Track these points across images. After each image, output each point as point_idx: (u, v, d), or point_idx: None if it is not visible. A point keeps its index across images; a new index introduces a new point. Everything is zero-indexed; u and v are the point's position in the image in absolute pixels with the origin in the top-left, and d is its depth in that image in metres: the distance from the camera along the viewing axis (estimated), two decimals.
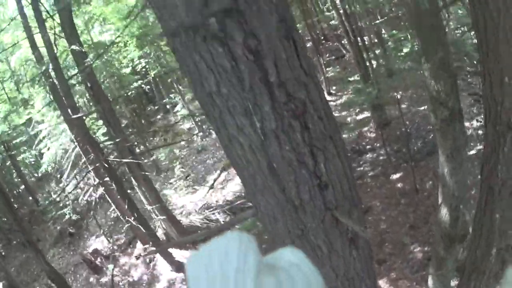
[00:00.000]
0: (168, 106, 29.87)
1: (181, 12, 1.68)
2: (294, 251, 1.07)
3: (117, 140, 13.15)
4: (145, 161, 18.04)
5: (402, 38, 18.42)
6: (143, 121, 29.25)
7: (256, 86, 1.77)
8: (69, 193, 16.53)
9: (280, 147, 1.95)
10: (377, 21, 19.59)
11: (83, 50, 13.02)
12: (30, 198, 26.06)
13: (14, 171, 26.22)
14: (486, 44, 3.46)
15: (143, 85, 25.31)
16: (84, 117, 13.62)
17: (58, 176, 20.90)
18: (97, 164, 13.18)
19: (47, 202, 21.32)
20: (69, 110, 12.73)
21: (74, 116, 12.31)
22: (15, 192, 26.84)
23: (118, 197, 14.01)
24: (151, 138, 28.22)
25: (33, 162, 27.00)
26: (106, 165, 12.78)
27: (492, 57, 3.51)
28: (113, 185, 13.19)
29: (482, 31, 3.44)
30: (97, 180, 13.98)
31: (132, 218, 13.76)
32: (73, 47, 12.61)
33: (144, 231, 14.08)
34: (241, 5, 1.64)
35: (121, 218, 14.94)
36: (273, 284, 0.87)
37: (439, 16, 6.80)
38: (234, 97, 1.80)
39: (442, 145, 7.07)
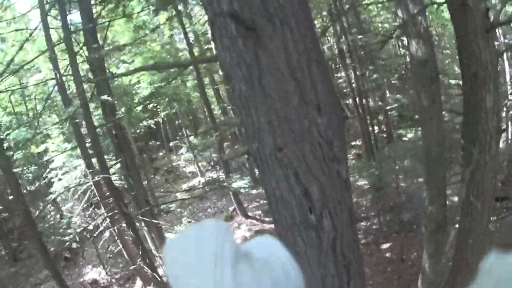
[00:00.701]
0: (171, 144, 30.14)
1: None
2: (270, 240, 1.09)
3: (135, 192, 13.77)
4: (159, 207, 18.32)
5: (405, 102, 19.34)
6: (151, 166, 29.49)
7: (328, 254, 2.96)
8: (79, 231, 16.82)
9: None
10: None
11: (114, 102, 13.65)
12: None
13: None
14: None
15: (152, 124, 25.77)
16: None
17: (64, 205, 20.83)
18: (115, 211, 13.81)
19: (46, 225, 21.01)
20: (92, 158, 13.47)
21: (102, 176, 12.96)
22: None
23: (130, 241, 14.58)
24: (152, 176, 28.27)
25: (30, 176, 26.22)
26: (125, 214, 13.41)
27: None
28: (130, 232, 13.66)
29: None
30: (106, 221, 14.50)
31: (139, 259, 14.25)
32: (104, 97, 12.99)
33: (150, 274, 14.33)
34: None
35: (127, 258, 15.36)
36: (250, 272, 0.88)
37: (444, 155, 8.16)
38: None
39: (427, 247, 8.70)
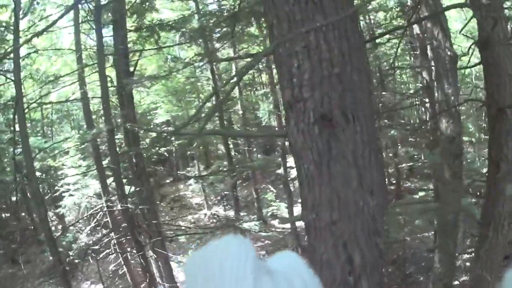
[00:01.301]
0: (179, 173, 30.20)
1: None
2: (292, 255, 1.09)
3: (153, 221, 13.96)
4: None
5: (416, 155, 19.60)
6: (158, 192, 29.45)
7: None
8: (87, 248, 16.88)
9: None
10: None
11: (139, 132, 13.92)
12: (23, 214, 24.65)
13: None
14: None
15: (165, 152, 25.92)
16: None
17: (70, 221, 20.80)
18: (126, 236, 14.07)
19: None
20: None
21: (121, 207, 13.22)
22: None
23: (136, 267, 14.71)
24: (158, 202, 28.21)
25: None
26: (137, 241, 13.61)
27: None
28: (140, 259, 13.80)
29: None
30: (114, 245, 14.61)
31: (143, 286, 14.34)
32: (128, 125, 13.16)
33: None
34: None
35: (130, 282, 15.49)
36: (270, 287, 0.88)
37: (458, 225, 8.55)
38: None
39: None
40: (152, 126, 24.36)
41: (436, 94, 8.05)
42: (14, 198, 25.36)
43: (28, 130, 23.81)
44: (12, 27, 11.68)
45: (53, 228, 20.03)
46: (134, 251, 14.22)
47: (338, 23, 3.06)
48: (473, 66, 8.75)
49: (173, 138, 23.75)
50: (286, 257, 1.09)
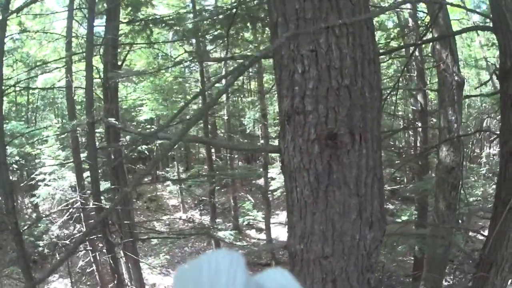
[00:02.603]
0: (158, 173, 29.90)
1: None
2: (283, 272, 1.05)
3: (126, 222, 13.52)
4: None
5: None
6: (135, 190, 29.07)
7: None
8: (57, 242, 16.51)
9: None
10: None
11: (119, 127, 13.46)
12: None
13: None
14: None
15: (146, 151, 25.55)
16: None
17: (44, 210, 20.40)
18: (97, 234, 13.60)
19: (22, 223, 20.45)
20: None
21: (94, 204, 12.75)
22: None
23: (105, 267, 14.26)
24: (134, 200, 27.87)
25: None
26: (108, 241, 13.12)
27: None
28: (109, 260, 13.41)
29: None
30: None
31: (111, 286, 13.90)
32: (111, 120, 12.57)
33: None
34: None
35: (98, 281, 15.11)
36: None
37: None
38: None
39: None
40: (134, 123, 24.06)
41: (439, 120, 7.65)
42: None
43: (12, 114, 23.55)
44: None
45: (27, 216, 19.65)
46: (104, 250, 13.72)
47: (354, 27, 2.63)
48: (489, 95, 8.42)
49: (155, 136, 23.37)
50: (278, 274, 1.00)
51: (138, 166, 31.68)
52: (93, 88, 13.31)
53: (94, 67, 13.22)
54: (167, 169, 29.04)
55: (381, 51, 8.53)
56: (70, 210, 15.52)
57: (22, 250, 11.93)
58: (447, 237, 7.19)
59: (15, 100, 24.30)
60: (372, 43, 2.80)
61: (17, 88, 16.69)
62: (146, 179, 30.71)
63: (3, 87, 11.85)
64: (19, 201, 22.67)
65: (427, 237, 7.77)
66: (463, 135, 7.51)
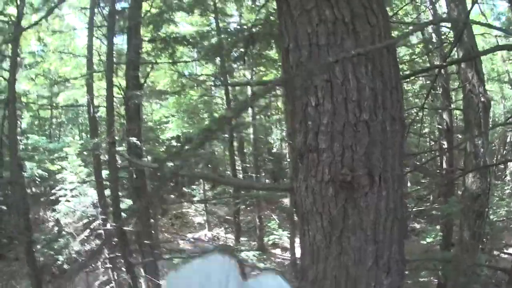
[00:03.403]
0: (185, 190, 29.64)
1: None
2: (276, 278, 1.07)
3: (146, 241, 13.30)
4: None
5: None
6: (161, 206, 28.77)
7: None
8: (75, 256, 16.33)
9: None
10: None
11: (142, 147, 13.31)
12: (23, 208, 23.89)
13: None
14: None
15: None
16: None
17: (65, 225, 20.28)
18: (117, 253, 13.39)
19: (42, 237, 20.35)
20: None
21: (113, 224, 12.71)
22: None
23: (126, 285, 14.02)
24: (159, 216, 27.65)
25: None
26: (128, 262, 12.91)
27: None
28: (130, 281, 13.18)
29: None
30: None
31: None
32: (132, 139, 12.63)
33: None
34: None
35: None
36: None
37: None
38: None
39: None
40: (160, 140, 23.87)
41: (466, 144, 7.27)
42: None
43: (35, 128, 23.57)
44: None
45: (48, 228, 19.58)
46: (124, 268, 13.52)
47: (373, 53, 2.33)
48: None
49: (181, 153, 23.16)
50: (271, 279, 1.05)
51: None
52: (116, 106, 13.16)
53: (116, 85, 13.09)
54: (193, 186, 28.62)
55: (405, 73, 8.22)
56: (91, 227, 15.42)
57: (34, 269, 12.33)
58: (470, 268, 6.85)
59: (38, 114, 24.29)
60: (394, 69, 2.49)
61: (36, 105, 16.65)
62: (172, 196, 30.62)
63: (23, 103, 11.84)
64: (40, 214, 22.75)
65: (450, 266, 7.41)
66: (490, 165, 7.13)
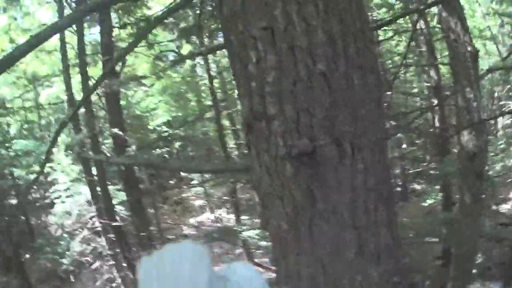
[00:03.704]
0: (183, 174, 29.30)
1: None
2: (247, 266, 1.11)
3: (142, 234, 13.01)
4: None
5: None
6: (160, 195, 28.55)
7: None
8: (77, 257, 16.15)
9: None
10: None
11: (125, 137, 12.96)
12: (22, 217, 23.72)
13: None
14: None
15: (165, 155, 25.02)
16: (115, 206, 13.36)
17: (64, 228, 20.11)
18: (117, 251, 13.11)
19: (45, 243, 20.22)
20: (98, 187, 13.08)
21: (106, 222, 12.57)
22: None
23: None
24: (160, 205, 27.41)
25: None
26: (126, 257, 12.68)
27: None
28: (132, 275, 12.93)
29: None
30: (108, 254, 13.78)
31: None
32: (114, 130, 12.40)
33: None
34: None
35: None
36: None
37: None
38: None
39: None
40: (147, 128, 23.66)
41: (457, 99, 6.72)
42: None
43: (24, 133, 23.20)
44: None
45: (48, 232, 19.47)
46: (125, 264, 13.40)
47: None
48: None
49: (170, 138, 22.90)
50: (241, 267, 1.07)
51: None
52: (90, 99, 12.74)
53: (91, 77, 12.83)
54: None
55: (379, 23, 7.63)
56: (89, 225, 15.53)
57: (24, 279, 13.05)
58: (474, 230, 6.42)
59: (25, 118, 23.76)
60: (357, 9, 1.92)
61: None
62: (171, 182, 30.35)
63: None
64: (39, 221, 22.66)
65: (452, 231, 6.99)
66: (485, 120, 6.61)
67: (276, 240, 2.19)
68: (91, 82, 12.40)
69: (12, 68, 19.14)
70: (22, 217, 23.23)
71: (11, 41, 17.31)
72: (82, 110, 14.68)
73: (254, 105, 1.87)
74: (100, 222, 13.28)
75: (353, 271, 2.02)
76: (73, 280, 19.17)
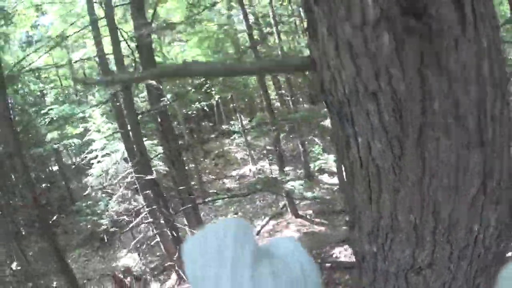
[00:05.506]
0: (224, 127, 29.23)
1: None
2: (291, 240, 1.04)
3: (181, 187, 12.61)
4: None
5: None
6: (202, 148, 28.50)
7: None
8: (116, 217, 16.02)
9: None
10: None
11: (160, 87, 12.49)
12: (63, 182, 24.72)
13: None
14: None
15: (205, 107, 24.80)
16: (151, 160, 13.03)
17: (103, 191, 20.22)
18: (157, 214, 12.92)
19: (84, 204, 20.48)
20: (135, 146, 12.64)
21: (141, 176, 12.15)
22: (47, 170, 25.55)
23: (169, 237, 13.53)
24: (201, 159, 27.42)
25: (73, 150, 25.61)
26: (163, 213, 12.46)
27: None
28: (171, 231, 12.77)
29: None
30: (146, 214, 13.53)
31: (176, 257, 13.21)
32: (150, 82, 11.58)
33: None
34: None
35: (164, 252, 14.85)
36: (269, 272, 0.85)
37: None
38: None
39: None
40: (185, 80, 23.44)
41: None
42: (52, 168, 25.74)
43: (60, 99, 23.38)
44: None
45: (87, 194, 19.70)
46: (162, 221, 13.07)
47: None
48: None
49: (214, 91, 22.61)
50: (286, 242, 1.05)
51: (203, 123, 31.32)
52: (121, 52, 12.36)
53: (120, 29, 12.21)
54: (231, 122, 28.09)
55: None
56: (126, 183, 15.08)
57: (53, 244, 11.55)
58: None
59: (60, 84, 24.30)
60: None
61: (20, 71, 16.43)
62: (212, 135, 30.38)
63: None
64: (79, 184, 23.28)
65: None
66: None
67: (359, 177, 1.47)
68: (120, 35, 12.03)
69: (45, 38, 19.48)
70: (62, 182, 24.08)
71: (37, 9, 17.37)
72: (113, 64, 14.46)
73: None
74: (136, 178, 12.81)
75: (471, 218, 1.39)
76: (113, 240, 19.51)
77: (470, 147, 1.23)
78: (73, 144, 21.72)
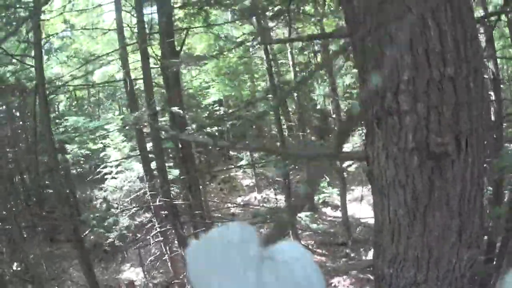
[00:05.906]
0: (231, 153, 29.47)
1: None
2: (296, 245, 1.09)
3: (197, 211, 13.23)
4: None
5: None
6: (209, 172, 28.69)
7: None
8: (125, 232, 16.43)
9: None
10: None
11: (185, 116, 13.08)
12: (67, 190, 23.95)
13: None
14: None
15: (216, 133, 25.14)
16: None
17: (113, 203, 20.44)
18: (167, 226, 13.37)
19: (91, 216, 20.61)
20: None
21: (162, 197, 12.63)
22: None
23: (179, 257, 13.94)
24: (207, 183, 27.58)
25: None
26: (179, 233, 12.98)
27: None
28: (181, 252, 13.08)
29: None
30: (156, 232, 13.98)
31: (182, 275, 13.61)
32: (174, 109, 12.29)
33: None
34: None
35: (171, 269, 14.98)
36: (273, 278, 0.88)
37: None
38: None
39: None
40: (201, 107, 23.79)
41: None
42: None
43: (73, 109, 23.66)
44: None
45: (98, 207, 19.92)
46: (176, 242, 13.69)
47: None
48: None
49: (225, 119, 22.97)
50: (289, 247, 1.07)
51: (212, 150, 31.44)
52: (154, 77, 13.01)
53: (152, 56, 13.03)
54: (240, 148, 28.32)
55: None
56: (140, 201, 15.91)
57: (83, 251, 12.11)
58: None
59: (74, 95, 24.45)
60: (470, 13, 2.08)
61: (71, 87, 16.71)
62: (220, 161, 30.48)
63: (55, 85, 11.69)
64: (87, 193, 23.14)
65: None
66: None
67: (388, 228, 2.41)
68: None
69: (63, 48, 19.78)
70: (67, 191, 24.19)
71: (65, 21, 17.75)
72: (140, 88, 15.09)
73: (387, 101, 2.05)
74: (155, 199, 13.38)
75: (451, 255, 2.30)
76: (116, 253, 19.73)
77: (452, 217, 2.19)
78: (85, 157, 22.01)
